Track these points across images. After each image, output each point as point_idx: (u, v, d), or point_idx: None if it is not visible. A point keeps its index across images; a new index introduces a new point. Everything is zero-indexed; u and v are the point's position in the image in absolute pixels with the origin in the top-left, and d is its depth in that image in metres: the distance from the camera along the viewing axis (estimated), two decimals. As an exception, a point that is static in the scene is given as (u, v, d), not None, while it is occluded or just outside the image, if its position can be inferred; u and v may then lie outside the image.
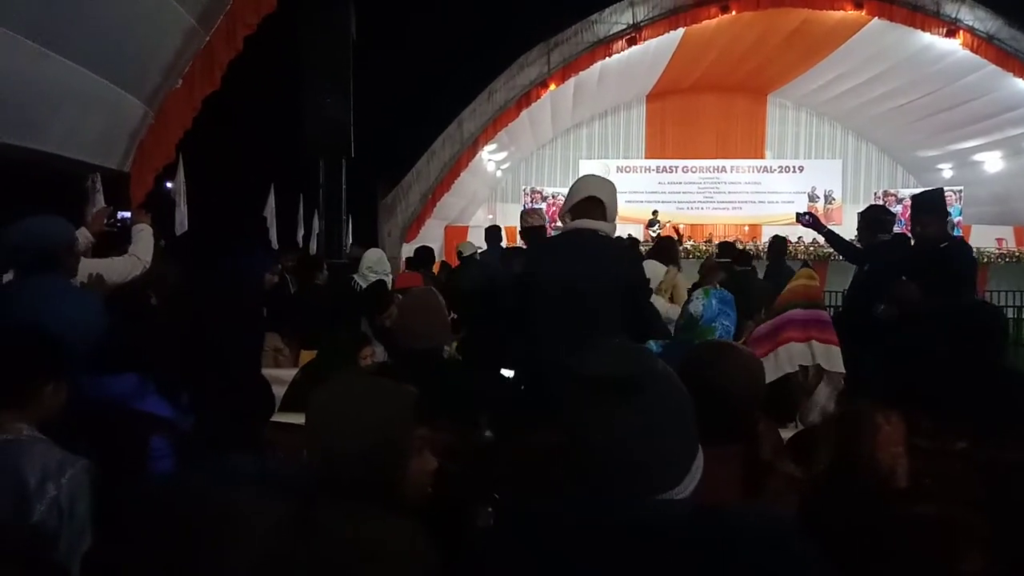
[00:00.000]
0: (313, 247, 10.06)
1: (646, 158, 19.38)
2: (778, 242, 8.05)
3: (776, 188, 18.44)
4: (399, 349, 2.70)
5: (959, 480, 1.89)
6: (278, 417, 2.09)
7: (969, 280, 3.78)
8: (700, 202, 18.62)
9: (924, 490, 1.74)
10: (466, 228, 16.09)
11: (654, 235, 14.25)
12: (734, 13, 13.60)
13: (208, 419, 1.96)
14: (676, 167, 18.77)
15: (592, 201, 2.79)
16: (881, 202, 16.84)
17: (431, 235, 14.26)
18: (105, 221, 3.47)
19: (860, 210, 5.13)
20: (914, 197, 3.95)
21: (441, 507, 1.83)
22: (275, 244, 9.05)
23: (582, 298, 2.60)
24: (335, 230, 7.69)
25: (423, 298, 2.60)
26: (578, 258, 2.71)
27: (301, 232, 11.37)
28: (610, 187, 2.90)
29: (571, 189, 2.92)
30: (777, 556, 0.95)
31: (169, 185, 7.48)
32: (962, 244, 3.85)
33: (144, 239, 3.40)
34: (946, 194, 14.18)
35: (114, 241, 3.51)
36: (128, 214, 3.52)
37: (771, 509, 1.50)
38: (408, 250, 11.09)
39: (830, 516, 1.63)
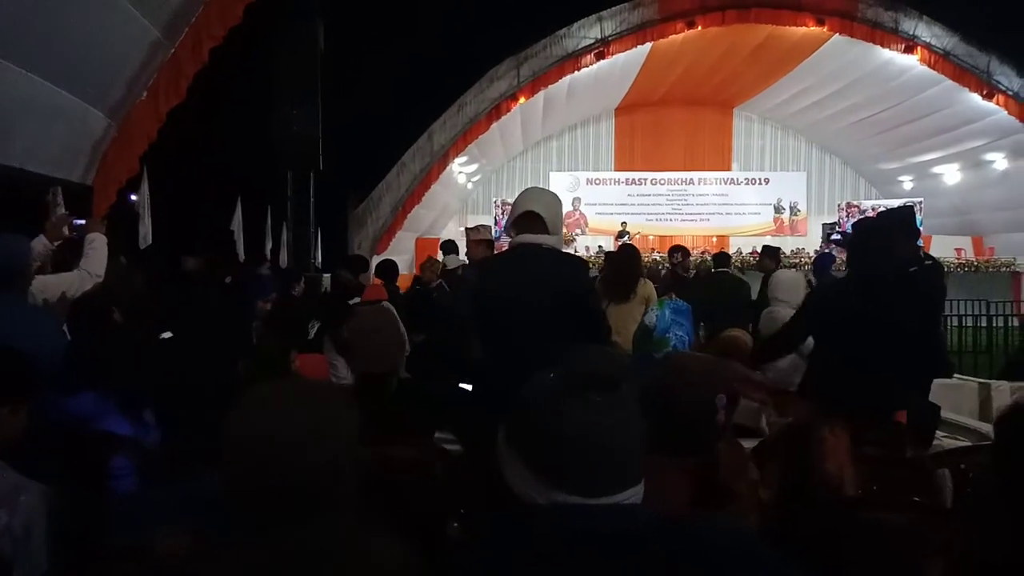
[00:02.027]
0: (282, 259, 9.98)
1: (615, 170, 19.58)
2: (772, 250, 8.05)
3: (743, 200, 18.74)
4: (353, 369, 2.69)
5: (907, 487, 1.96)
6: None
7: (933, 310, 3.51)
8: (668, 214, 18.84)
9: (873, 498, 1.80)
10: (437, 240, 16.08)
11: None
12: (700, 28, 13.87)
13: (179, 438, 1.94)
14: (645, 179, 18.99)
15: (531, 216, 2.81)
16: (844, 213, 17.22)
17: (402, 247, 14.25)
18: (65, 230, 3.40)
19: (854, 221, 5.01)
20: (883, 214, 3.52)
21: (408, 522, 1.84)
22: (242, 256, 8.96)
23: (529, 312, 2.64)
24: (304, 242, 7.65)
25: (375, 319, 2.59)
26: (521, 273, 2.75)
27: (269, 244, 11.27)
28: (552, 200, 2.91)
29: (513, 204, 2.94)
30: (746, 564, 0.97)
31: (134, 198, 7.38)
32: (932, 269, 3.51)
33: (96, 251, 3.31)
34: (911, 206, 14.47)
35: (75, 250, 3.44)
36: (83, 222, 3.45)
37: (737, 519, 1.54)
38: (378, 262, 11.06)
39: (786, 528, 1.68)
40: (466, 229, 5.17)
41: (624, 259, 5.74)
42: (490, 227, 5.22)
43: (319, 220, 8.20)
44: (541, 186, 3.86)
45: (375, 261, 12.44)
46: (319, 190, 7.69)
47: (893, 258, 2.90)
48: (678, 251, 7.70)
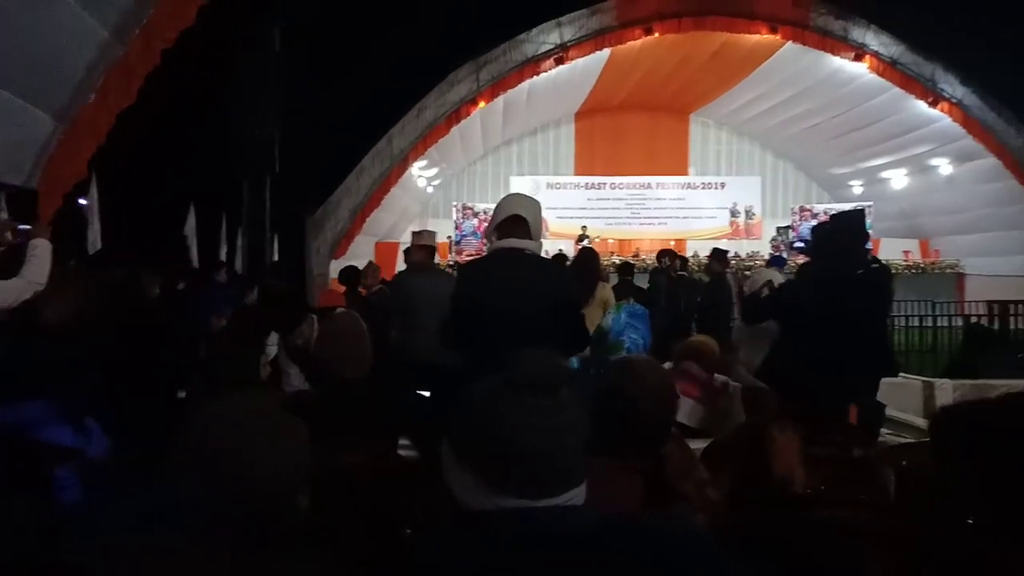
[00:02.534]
0: (237, 265, 9.81)
1: (575, 175, 19.71)
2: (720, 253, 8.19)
3: (699, 204, 19.04)
4: (321, 374, 2.66)
5: (857, 485, 2.01)
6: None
7: (882, 312, 3.47)
8: (627, 218, 19.04)
9: (822, 496, 1.85)
10: (396, 244, 15.98)
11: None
12: (657, 35, 14.07)
13: (127, 449, 1.89)
14: (604, 183, 19.17)
15: (516, 220, 2.83)
16: (797, 217, 17.62)
17: (361, 251, 14.11)
18: (8, 236, 3.30)
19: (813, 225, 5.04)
20: (835, 217, 3.49)
21: (363, 531, 1.83)
22: (195, 263, 8.79)
23: (512, 316, 2.63)
24: (259, 248, 7.53)
25: (347, 323, 2.58)
26: (506, 277, 2.75)
27: (224, 250, 11.07)
28: (534, 205, 2.94)
29: (496, 208, 2.96)
30: (692, 561, 0.99)
31: (82, 202, 7.19)
32: (880, 271, 3.45)
33: (39, 259, 3.21)
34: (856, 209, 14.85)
35: (18, 256, 3.33)
36: (27, 227, 3.34)
37: (683, 518, 1.56)
38: (337, 267, 10.94)
39: (738, 527, 1.71)
40: (413, 233, 5.15)
41: (583, 262, 5.79)
42: (434, 233, 5.20)
43: (275, 225, 8.07)
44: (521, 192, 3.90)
45: (334, 266, 12.35)
46: (276, 194, 7.57)
47: (848, 261, 2.99)
48: (666, 255, 7.73)
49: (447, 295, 4.46)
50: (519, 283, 2.70)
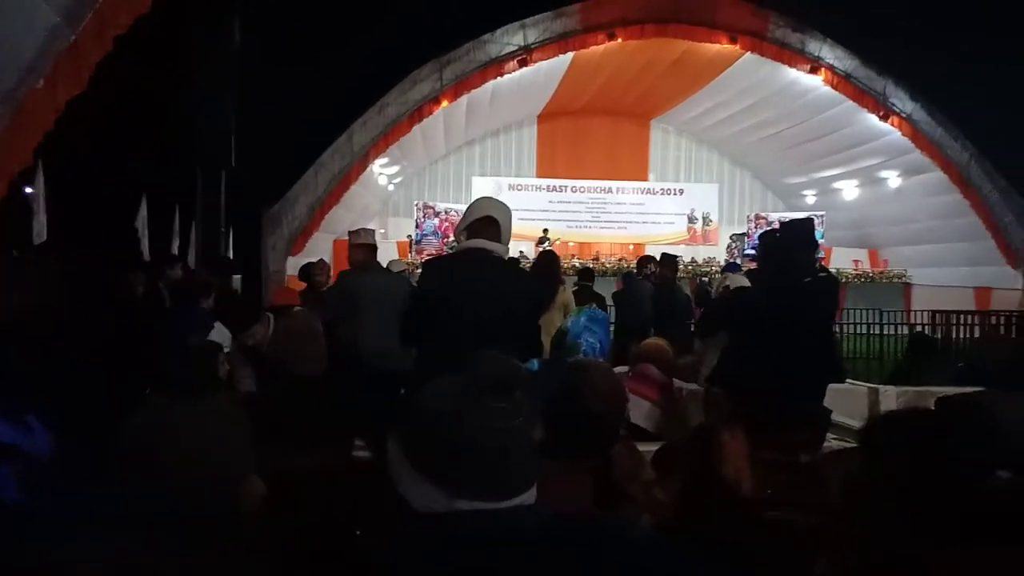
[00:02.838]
0: (191, 260, 9.60)
1: (537, 177, 19.78)
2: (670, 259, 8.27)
3: (658, 209, 19.29)
4: (276, 373, 2.63)
5: (803, 488, 2.06)
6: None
7: (826, 320, 3.44)
8: (588, 221, 19.18)
9: (767, 499, 1.89)
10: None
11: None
12: (620, 41, 14.21)
13: (71, 449, 1.84)
14: (566, 186, 19.27)
15: (489, 221, 2.83)
16: (752, 224, 17.98)
17: (319, 248, 13.91)
18: None
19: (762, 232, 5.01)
20: (785, 224, 3.48)
21: (314, 531, 1.80)
22: (147, 255, 8.57)
23: (471, 317, 2.63)
24: (213, 242, 7.38)
25: (302, 322, 2.55)
26: (471, 277, 2.75)
27: (177, 244, 10.81)
28: (506, 210, 2.97)
29: (468, 208, 2.97)
30: (638, 560, 0.99)
31: (28, 191, 6.95)
32: (826, 281, 3.40)
33: None
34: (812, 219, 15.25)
35: None
36: None
37: (631, 518, 1.58)
38: (294, 263, 10.78)
39: (685, 527, 1.74)
40: (350, 232, 5.08)
41: (544, 265, 5.84)
42: (373, 231, 5.14)
43: (231, 219, 7.92)
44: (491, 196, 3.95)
45: (291, 263, 12.15)
46: (231, 188, 7.42)
47: (793, 269, 3.05)
48: (650, 261, 7.75)
49: (392, 294, 4.43)
50: (483, 284, 2.71)
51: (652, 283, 7.32)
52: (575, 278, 7.37)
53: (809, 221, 3.60)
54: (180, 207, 10.25)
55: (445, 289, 2.79)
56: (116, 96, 7.01)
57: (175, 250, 10.47)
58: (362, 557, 1.29)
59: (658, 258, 7.58)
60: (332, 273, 6.96)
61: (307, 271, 6.72)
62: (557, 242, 16.52)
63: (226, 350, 3.62)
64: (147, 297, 5.39)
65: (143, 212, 9.35)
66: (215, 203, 7.31)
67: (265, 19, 9.07)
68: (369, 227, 5.33)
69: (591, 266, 9.90)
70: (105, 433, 1.94)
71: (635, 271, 8.12)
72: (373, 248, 4.88)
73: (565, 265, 10.41)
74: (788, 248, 3.12)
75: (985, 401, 2.41)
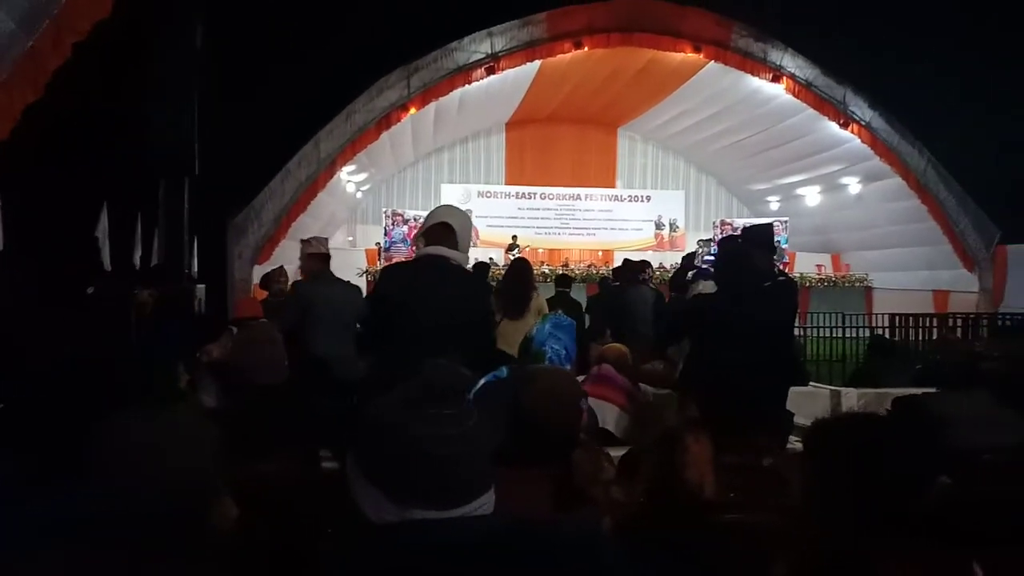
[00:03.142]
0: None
1: (506, 184, 19.83)
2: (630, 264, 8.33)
3: (626, 216, 19.46)
4: (237, 383, 2.60)
5: (764, 492, 2.09)
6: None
7: (786, 324, 3.45)
8: (557, 228, 19.27)
9: (730, 502, 1.92)
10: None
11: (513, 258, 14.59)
12: (587, 49, 14.34)
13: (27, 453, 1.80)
14: (535, 194, 19.35)
15: (444, 228, 2.83)
16: (719, 230, 18.23)
17: (286, 257, 13.75)
18: None
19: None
20: (745, 230, 3.57)
21: (276, 541, 1.78)
22: (108, 266, 8.39)
23: (425, 325, 2.63)
24: (177, 252, 7.25)
25: (260, 331, 2.54)
26: (426, 284, 2.75)
27: (139, 254, 10.58)
28: (464, 217, 2.97)
29: (427, 216, 2.97)
30: (591, 565, 1.00)
31: (-17, 200, 6.76)
32: (785, 285, 3.42)
33: None
34: (774, 224, 15.51)
35: None
36: None
37: (589, 521, 1.59)
38: (261, 272, 10.64)
39: (647, 530, 1.76)
40: (302, 241, 5.04)
41: (516, 272, 5.86)
42: (325, 240, 5.11)
43: (195, 228, 7.80)
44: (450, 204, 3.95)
45: (257, 272, 12.00)
46: (195, 196, 7.31)
47: (751, 273, 3.11)
48: (647, 266, 7.78)
49: (346, 303, 4.41)
50: (437, 292, 2.71)
51: (651, 287, 7.35)
52: (551, 284, 7.38)
53: (769, 227, 3.67)
54: (142, 216, 10.06)
55: (401, 296, 2.80)
56: (75, 103, 6.87)
57: (137, 261, 10.25)
58: (319, 568, 1.28)
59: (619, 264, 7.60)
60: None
61: (267, 279, 6.62)
62: (527, 249, 16.57)
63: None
64: (114, 309, 5.28)
65: (104, 221, 9.15)
66: (178, 212, 7.19)
67: (229, 25, 8.96)
68: (322, 236, 5.28)
69: (567, 273, 9.91)
70: (57, 442, 1.90)
71: (610, 277, 8.12)
72: (326, 257, 4.84)
73: (536, 272, 10.44)
74: (747, 253, 3.17)
75: (933, 402, 2.48)
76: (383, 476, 1.00)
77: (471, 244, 3.04)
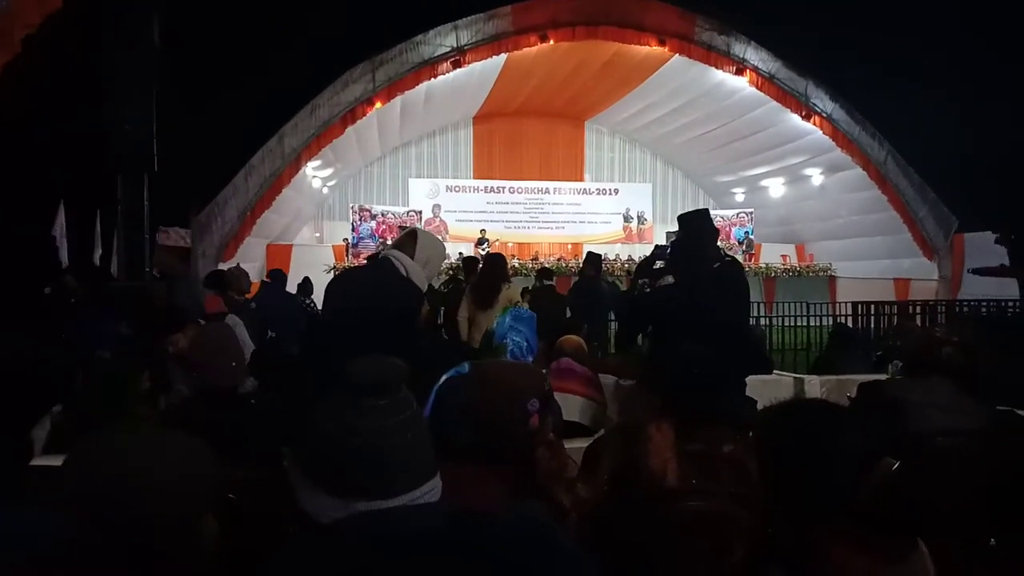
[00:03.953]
0: (113, 268, 9.21)
1: (474, 178, 19.78)
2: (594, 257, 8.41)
3: (594, 209, 19.54)
4: (195, 383, 2.56)
5: (725, 479, 2.11)
6: (39, 461, 1.90)
7: (741, 301, 3.45)
8: (526, 222, 19.28)
9: (691, 489, 1.93)
10: (290, 247, 15.51)
11: (483, 253, 14.57)
12: (552, 43, 14.35)
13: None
14: (503, 187, 19.33)
15: (409, 234, 2.89)
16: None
17: (251, 254, 13.59)
18: None
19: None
20: (683, 218, 3.54)
21: (241, 543, 1.75)
22: (65, 263, 8.19)
23: (356, 323, 2.67)
24: (138, 249, 7.11)
25: (214, 331, 2.50)
26: (361, 283, 2.79)
27: (99, 252, 10.36)
28: (434, 240, 3.07)
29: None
30: (536, 553, 0.99)
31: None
32: (732, 264, 3.47)
33: None
34: (739, 215, 15.71)
35: None
36: None
37: (531, 509, 1.58)
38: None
39: (610, 520, 1.76)
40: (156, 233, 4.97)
41: (491, 265, 5.96)
42: (186, 234, 5.02)
43: (155, 225, 7.64)
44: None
45: (223, 268, 11.82)
46: (155, 193, 7.16)
47: (702, 259, 3.16)
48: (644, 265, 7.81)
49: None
50: (371, 290, 2.74)
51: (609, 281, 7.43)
52: (523, 279, 7.44)
53: (704, 211, 3.71)
54: (101, 214, 9.84)
55: (338, 293, 2.84)
56: (26, 98, 6.69)
57: (97, 259, 10.04)
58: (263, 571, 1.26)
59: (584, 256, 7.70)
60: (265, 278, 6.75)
61: (213, 280, 6.01)
62: (496, 243, 16.55)
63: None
64: (60, 310, 5.16)
65: (61, 219, 8.93)
66: (138, 209, 7.03)
67: (190, 18, 8.79)
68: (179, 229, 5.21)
69: (548, 267, 9.89)
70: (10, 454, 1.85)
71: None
72: (186, 251, 4.81)
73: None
74: (699, 239, 3.23)
75: (891, 387, 2.53)
76: (322, 474, 1.00)
77: (437, 269, 3.07)
